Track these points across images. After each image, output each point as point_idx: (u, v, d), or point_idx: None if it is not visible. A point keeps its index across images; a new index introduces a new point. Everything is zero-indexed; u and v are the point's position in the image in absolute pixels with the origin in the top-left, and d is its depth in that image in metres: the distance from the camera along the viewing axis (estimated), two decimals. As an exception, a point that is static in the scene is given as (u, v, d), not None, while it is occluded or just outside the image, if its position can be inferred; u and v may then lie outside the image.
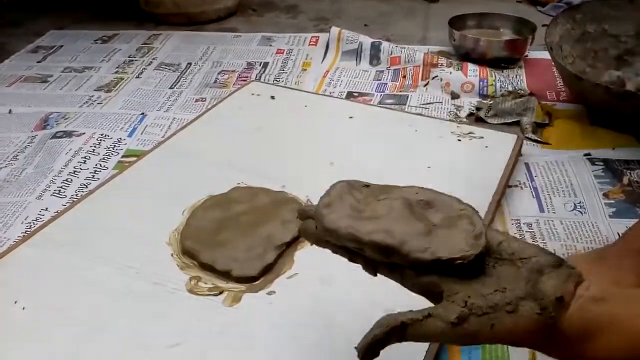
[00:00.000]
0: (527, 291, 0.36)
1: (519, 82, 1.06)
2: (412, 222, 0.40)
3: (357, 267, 0.64)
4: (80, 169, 0.85)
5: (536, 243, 0.69)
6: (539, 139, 0.90)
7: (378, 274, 0.43)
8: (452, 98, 1.02)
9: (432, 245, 0.39)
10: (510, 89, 1.02)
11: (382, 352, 0.50)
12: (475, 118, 0.96)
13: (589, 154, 0.85)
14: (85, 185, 0.82)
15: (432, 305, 0.39)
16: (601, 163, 0.83)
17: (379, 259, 0.41)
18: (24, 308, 0.59)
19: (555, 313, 0.36)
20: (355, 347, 0.39)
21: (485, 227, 0.40)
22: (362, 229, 0.40)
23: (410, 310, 0.39)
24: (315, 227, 0.43)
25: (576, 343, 0.36)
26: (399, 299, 0.57)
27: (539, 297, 0.36)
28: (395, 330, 0.38)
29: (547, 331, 0.36)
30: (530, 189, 0.79)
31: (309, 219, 0.45)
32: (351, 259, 0.43)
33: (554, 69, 1.06)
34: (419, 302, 0.55)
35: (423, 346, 0.53)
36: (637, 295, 0.38)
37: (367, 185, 0.45)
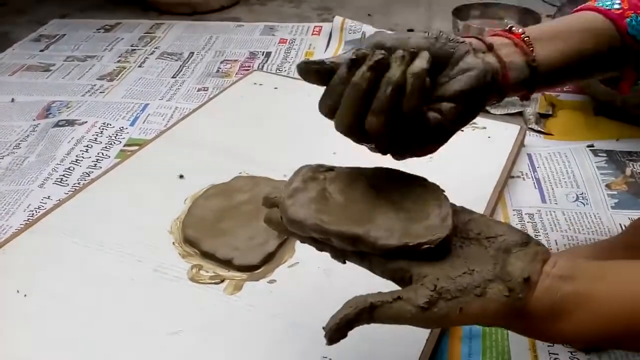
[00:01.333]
0: (495, 273, 0.37)
1: (522, 73, 1.05)
2: (378, 207, 0.40)
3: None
4: (82, 157, 0.85)
5: (537, 234, 0.69)
6: (542, 130, 0.90)
7: (347, 262, 0.43)
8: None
9: (399, 230, 0.39)
10: (513, 79, 1.01)
11: (383, 337, 0.50)
12: (478, 108, 0.96)
13: (592, 145, 0.85)
14: (87, 173, 0.82)
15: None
16: (604, 154, 0.83)
17: (347, 247, 0.40)
18: (25, 295, 0.59)
19: (523, 294, 0.36)
20: (323, 328, 0.39)
21: (451, 208, 0.40)
22: (327, 218, 0.40)
23: (379, 292, 0.39)
24: (280, 217, 0.43)
25: (545, 322, 0.36)
26: (399, 288, 0.58)
27: (506, 279, 0.36)
28: (364, 311, 0.38)
29: (515, 312, 0.36)
30: (533, 179, 0.79)
31: (274, 207, 0.44)
32: (319, 249, 0.43)
33: (558, 60, 1.05)
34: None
35: (423, 334, 0.53)
36: (603, 272, 0.38)
37: (332, 169, 0.44)
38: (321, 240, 0.41)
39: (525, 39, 0.45)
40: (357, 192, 0.42)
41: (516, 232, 0.39)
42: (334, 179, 0.43)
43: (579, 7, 0.51)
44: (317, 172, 0.44)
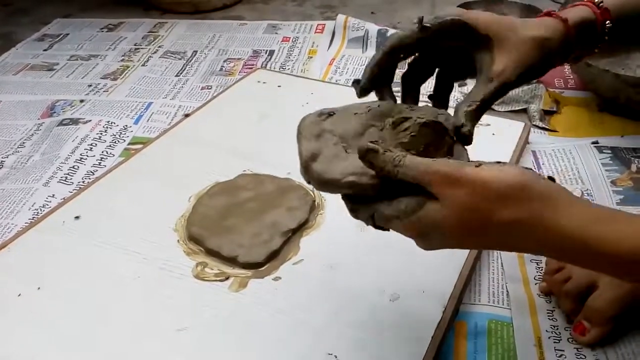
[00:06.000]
0: None
1: (526, 70, 1.05)
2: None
3: (363, 254, 0.64)
4: (87, 156, 0.85)
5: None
6: (546, 127, 0.89)
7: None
8: (459, 85, 1.02)
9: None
10: (517, 76, 1.01)
11: (389, 335, 0.49)
12: (482, 105, 0.96)
13: (596, 142, 0.85)
14: (91, 172, 0.82)
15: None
16: (609, 151, 0.83)
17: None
18: (38, 289, 0.59)
19: None
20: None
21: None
22: (354, 173, 0.40)
23: None
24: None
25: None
26: (404, 285, 0.58)
27: None
28: None
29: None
30: (538, 176, 0.79)
31: None
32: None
33: (562, 56, 1.05)
34: (425, 288, 0.54)
35: (429, 332, 0.53)
36: None
37: (332, 114, 0.45)
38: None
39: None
40: (362, 127, 0.44)
41: None
42: (338, 120, 0.44)
43: None
44: (320, 120, 0.44)
